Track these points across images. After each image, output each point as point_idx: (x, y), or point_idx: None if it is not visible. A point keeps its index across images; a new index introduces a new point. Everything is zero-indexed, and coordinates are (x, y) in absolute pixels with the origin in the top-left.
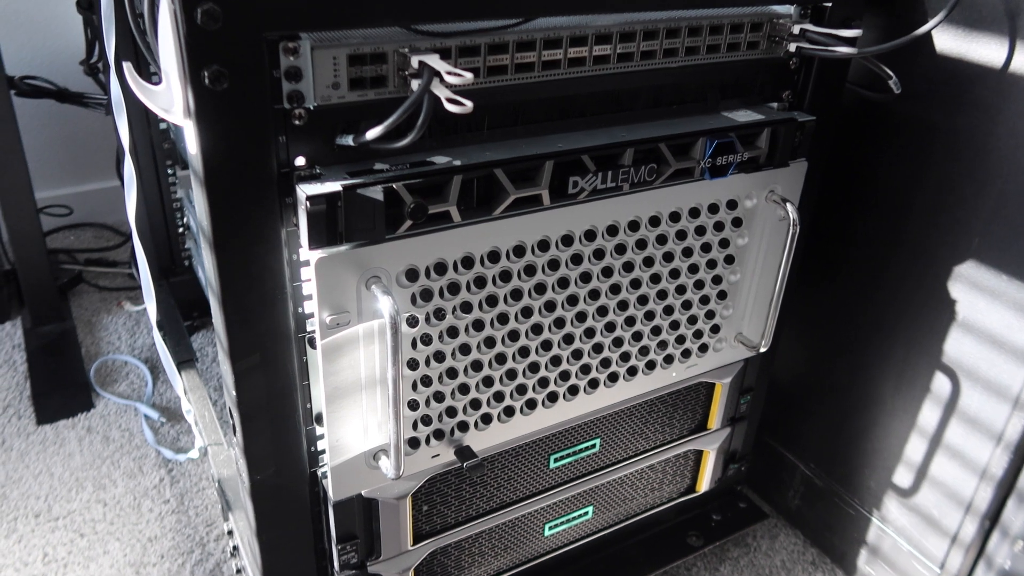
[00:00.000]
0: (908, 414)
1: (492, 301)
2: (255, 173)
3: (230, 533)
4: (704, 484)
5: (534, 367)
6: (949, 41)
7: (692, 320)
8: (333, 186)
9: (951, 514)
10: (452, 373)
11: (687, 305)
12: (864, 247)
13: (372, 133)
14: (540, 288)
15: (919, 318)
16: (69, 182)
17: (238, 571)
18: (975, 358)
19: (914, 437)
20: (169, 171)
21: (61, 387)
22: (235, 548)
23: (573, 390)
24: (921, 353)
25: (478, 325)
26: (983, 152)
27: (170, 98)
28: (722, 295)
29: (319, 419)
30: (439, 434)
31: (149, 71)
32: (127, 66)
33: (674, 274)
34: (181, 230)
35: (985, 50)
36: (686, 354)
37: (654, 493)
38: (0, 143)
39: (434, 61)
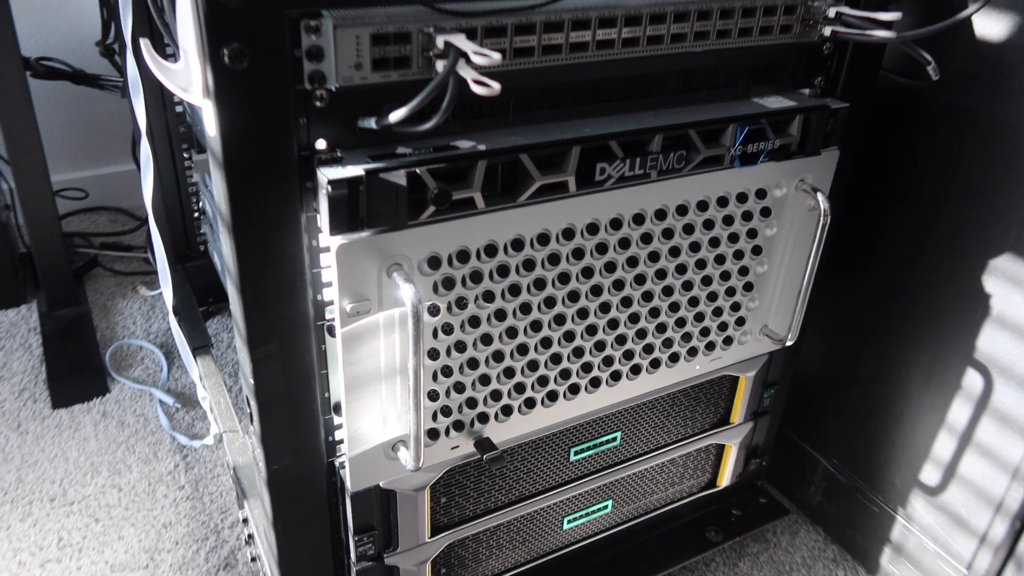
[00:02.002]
0: (937, 410)
1: (515, 290)
2: (275, 156)
3: (245, 521)
4: (725, 479)
5: (556, 358)
6: (989, 25)
7: (717, 312)
8: (355, 170)
9: (980, 513)
10: (473, 363)
11: (712, 297)
12: (894, 238)
13: (396, 115)
14: (564, 277)
15: (950, 312)
16: (84, 165)
17: (253, 559)
18: (1010, 354)
19: (943, 434)
20: (185, 155)
21: (76, 371)
22: (250, 536)
23: (595, 382)
24: (952, 348)
25: (500, 315)
26: (1023, 142)
27: (188, 77)
28: (748, 287)
29: (337, 408)
30: (459, 425)
31: (164, 50)
32: (145, 43)
33: (700, 264)
34: (197, 215)
35: None
36: (710, 347)
37: (674, 487)
38: (16, 125)
39: (460, 41)
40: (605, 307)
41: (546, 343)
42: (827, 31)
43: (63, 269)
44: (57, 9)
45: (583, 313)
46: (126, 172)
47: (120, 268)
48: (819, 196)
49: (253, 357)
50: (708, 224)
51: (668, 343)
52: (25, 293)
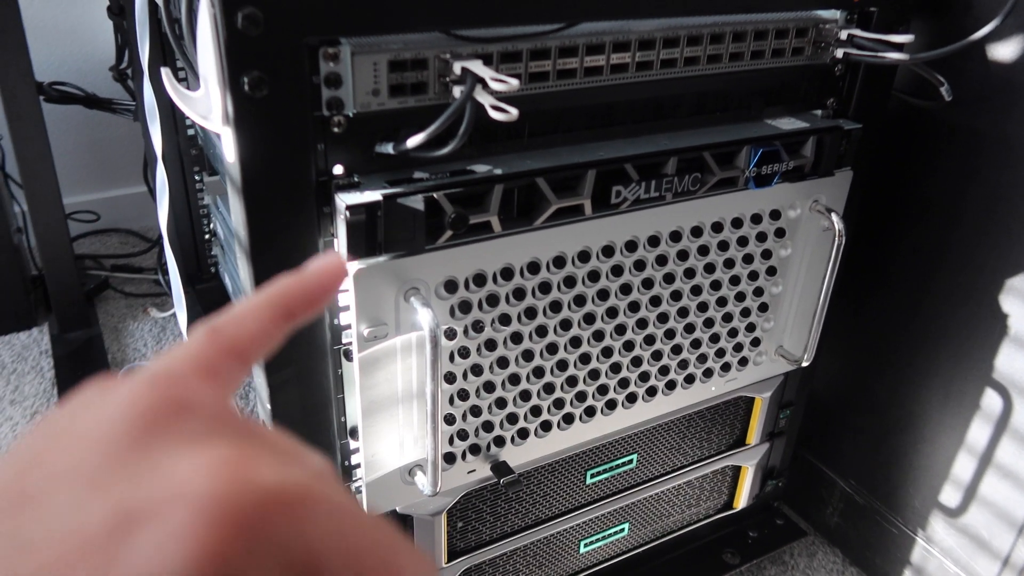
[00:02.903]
0: (955, 431)
1: (531, 313)
2: (293, 181)
3: None
4: (742, 501)
5: (572, 381)
6: (1001, 46)
7: (732, 333)
8: (373, 195)
9: (1002, 535)
10: (489, 387)
11: (728, 318)
12: (909, 258)
13: (413, 141)
14: (579, 300)
15: (967, 332)
16: (96, 188)
17: None
18: None
19: (962, 455)
20: (196, 177)
21: None
22: None
23: (611, 404)
24: (970, 368)
25: (516, 338)
26: None
27: (208, 105)
28: (763, 307)
29: (354, 433)
30: (475, 449)
31: (178, 77)
32: (165, 72)
33: (715, 286)
34: (208, 237)
35: None
36: (726, 368)
37: (691, 510)
38: (29, 149)
39: (477, 67)
40: (621, 329)
41: (562, 365)
42: (839, 53)
43: (75, 291)
44: (70, 34)
45: (599, 335)
46: (136, 194)
47: (131, 290)
48: (833, 217)
49: (270, 382)
50: (723, 245)
51: (684, 364)
52: (37, 316)
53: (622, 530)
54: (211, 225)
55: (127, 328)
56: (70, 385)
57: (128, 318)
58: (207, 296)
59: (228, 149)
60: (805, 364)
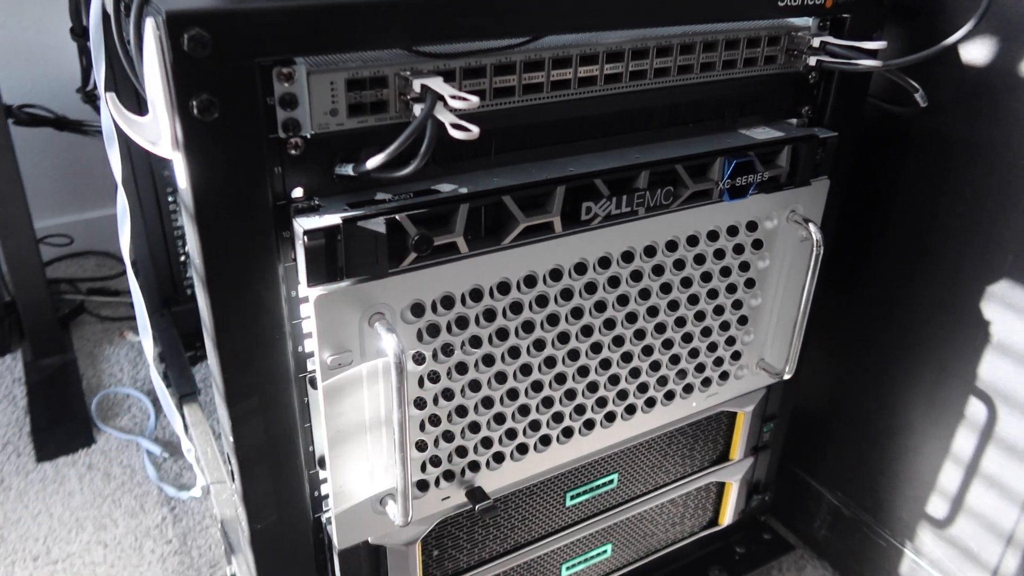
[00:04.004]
0: (940, 441)
1: (503, 335)
2: (249, 207)
3: None
4: (727, 517)
5: (548, 402)
6: (976, 51)
7: (712, 347)
8: (332, 219)
9: (990, 547)
10: (462, 411)
11: (707, 332)
12: (889, 267)
13: (373, 162)
14: (552, 319)
15: (950, 340)
16: (69, 210)
17: None
18: (1012, 382)
19: (948, 465)
20: (170, 198)
21: (62, 422)
22: None
23: (589, 424)
24: (953, 377)
25: (488, 360)
26: (1016, 166)
27: (157, 130)
28: (743, 320)
29: (322, 463)
30: (449, 475)
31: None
32: (110, 97)
33: (693, 300)
34: (183, 258)
35: (1015, 60)
36: (706, 383)
37: (675, 528)
38: None
39: (437, 84)
40: (597, 347)
41: (537, 387)
42: (812, 61)
43: (48, 317)
44: (39, 57)
45: (574, 354)
46: (112, 216)
47: (107, 313)
48: (811, 227)
49: (232, 414)
50: (699, 259)
51: (663, 381)
52: (10, 342)
53: (605, 551)
54: (186, 246)
55: (103, 353)
56: (43, 413)
57: (104, 342)
58: (184, 319)
59: (180, 175)
60: (787, 377)
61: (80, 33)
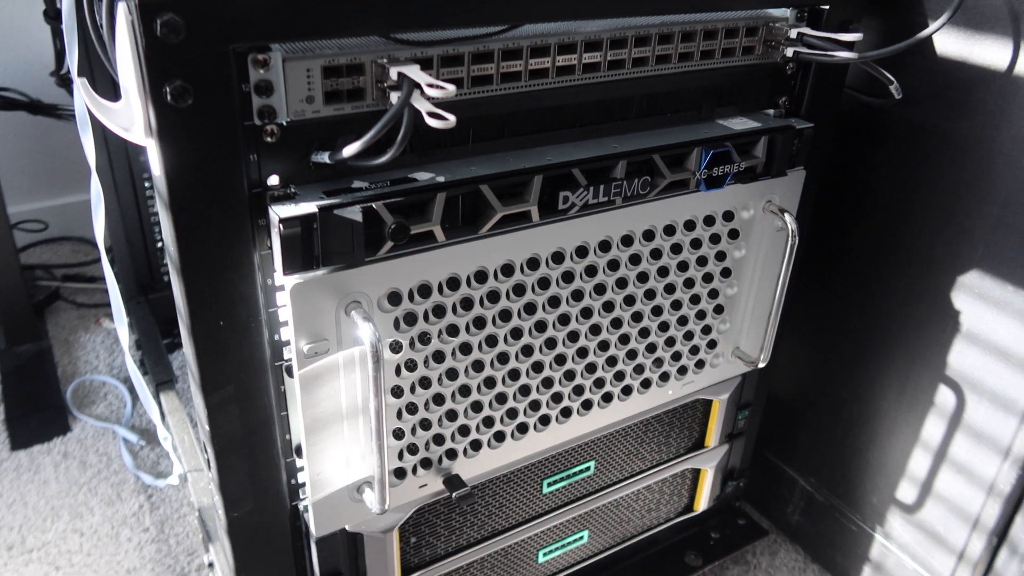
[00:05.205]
0: (911, 428)
1: (480, 323)
2: (224, 194)
3: (211, 565)
4: (702, 503)
5: (525, 390)
6: (951, 44)
7: (688, 336)
8: (308, 207)
9: (957, 531)
10: (439, 399)
11: (683, 321)
12: (863, 257)
13: (349, 150)
14: (530, 308)
15: (921, 329)
16: (44, 195)
17: None
18: (980, 371)
19: (917, 451)
20: (147, 183)
21: (36, 410)
22: None
23: (566, 412)
24: (924, 365)
25: (465, 348)
26: (987, 158)
27: (130, 116)
28: (719, 309)
29: (299, 451)
30: (426, 463)
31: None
32: (82, 82)
33: (669, 289)
34: (160, 245)
35: (988, 53)
36: (682, 371)
37: (651, 514)
38: None
39: (414, 72)
40: (574, 336)
41: (514, 375)
42: (789, 52)
43: (22, 304)
44: (13, 40)
45: (551, 343)
46: (88, 201)
47: (83, 300)
48: (787, 217)
49: (208, 403)
50: (676, 248)
51: (639, 369)
52: None
53: (581, 537)
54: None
55: (78, 340)
56: (17, 401)
57: (79, 329)
58: (160, 305)
59: (153, 162)
60: (762, 365)
61: (53, 16)
